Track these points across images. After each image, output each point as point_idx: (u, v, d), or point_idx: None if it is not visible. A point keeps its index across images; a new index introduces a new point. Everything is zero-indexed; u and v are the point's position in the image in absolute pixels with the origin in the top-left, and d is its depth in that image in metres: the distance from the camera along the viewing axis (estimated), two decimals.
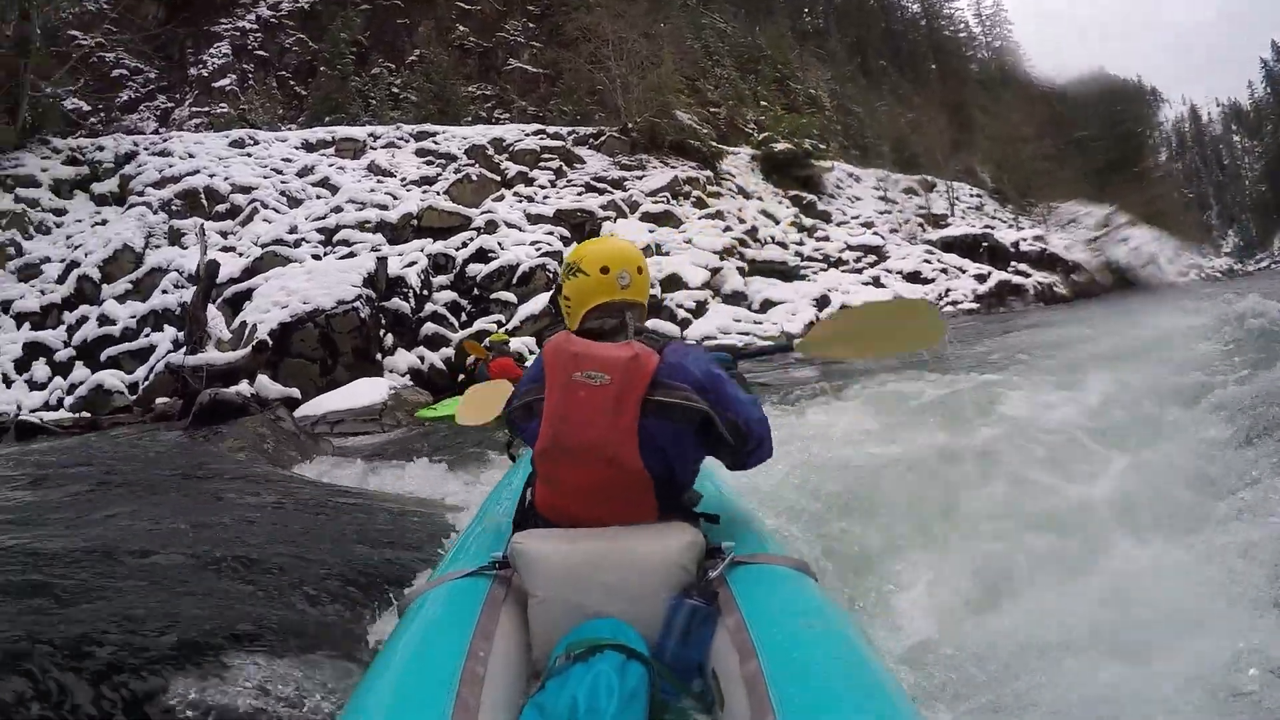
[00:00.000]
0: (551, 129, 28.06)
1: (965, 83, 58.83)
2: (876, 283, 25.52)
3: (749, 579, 1.93)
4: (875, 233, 30.39)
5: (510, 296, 17.62)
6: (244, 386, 10.85)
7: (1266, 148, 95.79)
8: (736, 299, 21.45)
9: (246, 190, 20.54)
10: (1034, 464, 3.80)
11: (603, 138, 28.25)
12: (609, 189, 24.83)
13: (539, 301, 17.15)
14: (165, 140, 22.63)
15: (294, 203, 20.77)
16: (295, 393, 12.00)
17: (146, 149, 21.67)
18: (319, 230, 18.85)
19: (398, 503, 4.53)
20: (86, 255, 17.36)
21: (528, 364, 13.43)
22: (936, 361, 7.76)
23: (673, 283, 20.37)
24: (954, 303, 26.11)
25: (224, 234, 18.93)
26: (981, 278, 28.47)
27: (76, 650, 2.02)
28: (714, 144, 31.13)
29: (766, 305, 21.64)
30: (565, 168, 25.75)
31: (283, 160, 22.76)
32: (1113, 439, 3.99)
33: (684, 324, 18.80)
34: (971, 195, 43.43)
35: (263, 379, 11.86)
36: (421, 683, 1.52)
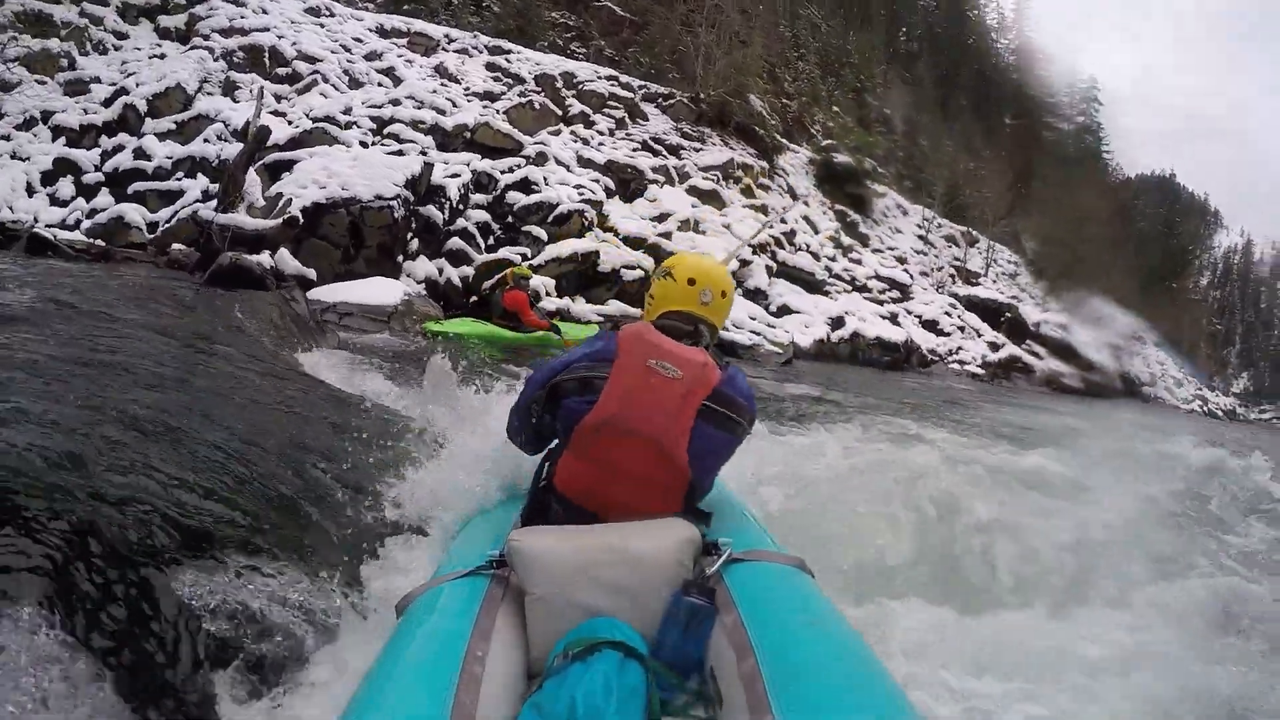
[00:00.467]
0: (624, 78, 27.67)
1: (1038, 147, 57.96)
2: (894, 319, 25.34)
3: (747, 576, 1.96)
4: (906, 270, 30.15)
5: (542, 233, 17.44)
6: (265, 257, 10.78)
7: None
8: (757, 296, 21.27)
9: (311, 60, 20.26)
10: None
11: (672, 100, 27.89)
12: (665, 153, 24.54)
13: (568, 245, 17.05)
14: None
15: (355, 84, 20.51)
16: (311, 274, 11.93)
17: None
18: (372, 118, 18.63)
19: (403, 421, 4.45)
20: (138, 85, 17.13)
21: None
22: None
23: None
24: (961, 362, 25.99)
25: (278, 98, 18.66)
26: (995, 346, 28.33)
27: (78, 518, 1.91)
28: (778, 136, 30.78)
29: (784, 310, 21.46)
30: (628, 120, 25.43)
31: (353, 39, 22.41)
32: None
33: None
34: (1009, 261, 43.08)
35: (284, 253, 11.79)
36: (420, 685, 1.53)
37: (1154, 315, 49.61)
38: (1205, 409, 40.63)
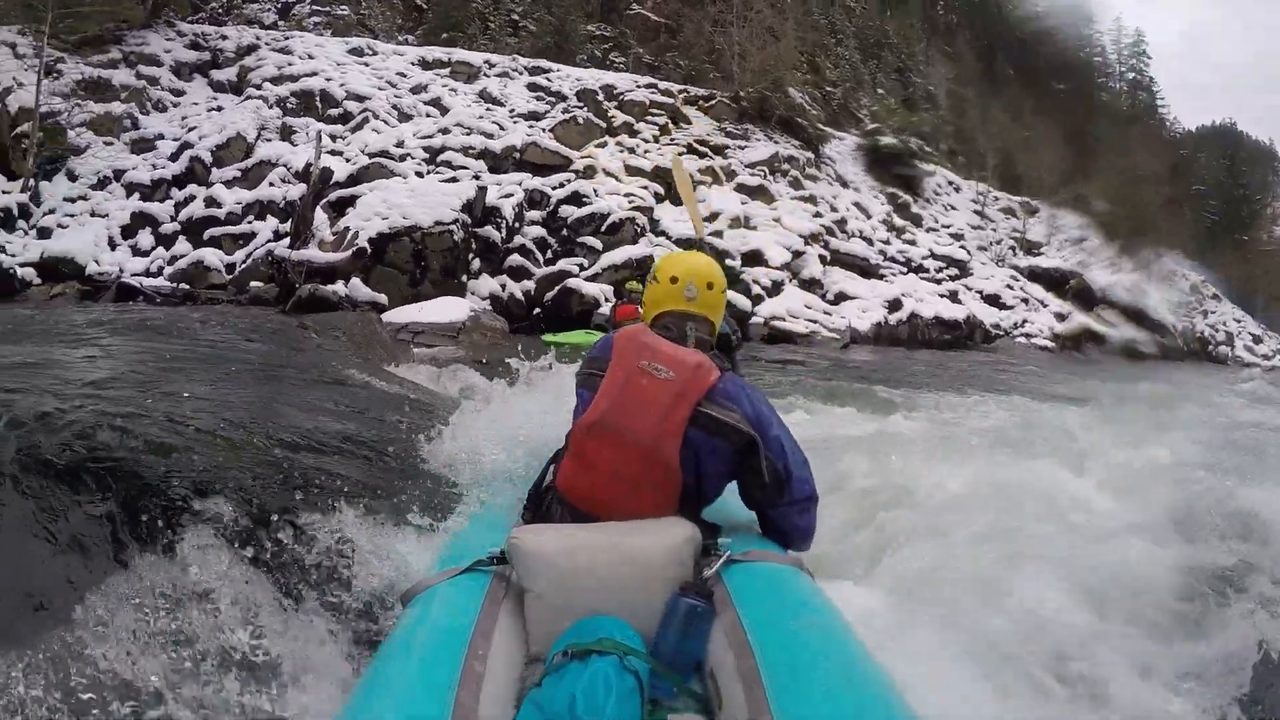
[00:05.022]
0: (663, 85, 27.94)
1: (1091, 109, 56.53)
2: (954, 297, 24.96)
3: (745, 576, 1.96)
4: (963, 246, 29.41)
5: (596, 243, 17.82)
6: (339, 286, 11.30)
7: None
8: (812, 285, 21.26)
9: (360, 99, 21.02)
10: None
11: (713, 101, 28.05)
12: (710, 154, 24.70)
13: (622, 252, 17.38)
14: (287, 39, 23.15)
15: (404, 118, 21.19)
16: (383, 299, 12.44)
17: (268, 44, 22.28)
18: (424, 148, 19.29)
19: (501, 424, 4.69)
20: (201, 138, 18.03)
21: (601, 310, 13.57)
22: None
23: (754, 258, 20.25)
24: (1028, 335, 25.49)
25: (333, 137, 19.39)
26: (1061, 316, 27.65)
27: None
28: (821, 126, 30.69)
29: (840, 297, 21.44)
30: (671, 125, 25.69)
31: (397, 74, 23.13)
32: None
33: (757, 300, 18.78)
34: (1075, 227, 41.92)
35: (355, 281, 12.34)
36: (422, 681, 1.54)
37: (1224, 270, 47.77)
38: None
